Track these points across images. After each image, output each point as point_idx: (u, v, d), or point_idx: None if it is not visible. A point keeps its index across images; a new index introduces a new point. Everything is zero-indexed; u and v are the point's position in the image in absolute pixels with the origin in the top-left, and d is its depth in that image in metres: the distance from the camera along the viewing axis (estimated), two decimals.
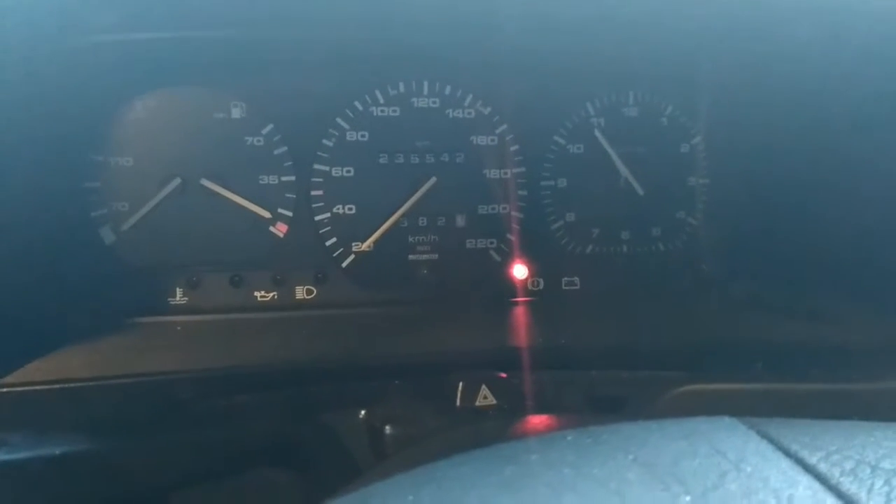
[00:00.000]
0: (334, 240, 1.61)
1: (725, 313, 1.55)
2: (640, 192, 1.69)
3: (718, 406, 1.14)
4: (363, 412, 1.08)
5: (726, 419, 0.76)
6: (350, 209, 1.61)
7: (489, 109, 1.64)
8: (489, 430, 0.97)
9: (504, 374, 1.13)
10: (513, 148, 1.66)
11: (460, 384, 1.07)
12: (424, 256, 1.64)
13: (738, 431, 0.74)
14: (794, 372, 1.21)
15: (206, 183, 1.52)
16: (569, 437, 0.72)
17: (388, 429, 1.01)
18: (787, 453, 0.69)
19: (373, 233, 1.61)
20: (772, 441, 0.72)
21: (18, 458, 0.91)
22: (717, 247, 1.72)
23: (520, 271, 1.66)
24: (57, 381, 1.08)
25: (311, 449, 1.10)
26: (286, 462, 1.10)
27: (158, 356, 1.23)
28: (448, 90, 1.62)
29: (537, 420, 0.99)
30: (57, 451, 0.92)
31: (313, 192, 1.59)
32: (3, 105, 1.27)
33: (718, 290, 1.65)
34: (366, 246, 1.61)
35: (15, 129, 1.31)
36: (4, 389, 1.05)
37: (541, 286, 1.68)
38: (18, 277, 1.32)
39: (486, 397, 1.06)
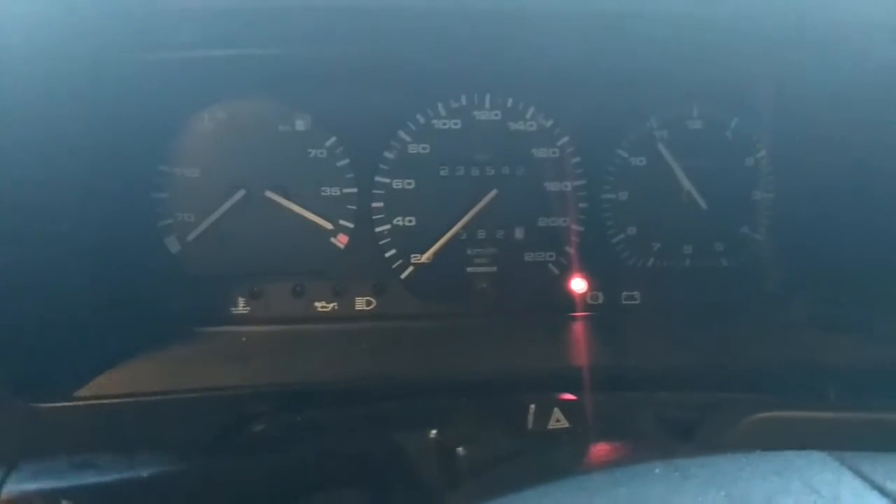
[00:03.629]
0: (394, 251, 1.61)
1: (793, 333, 1.51)
2: (704, 206, 1.66)
3: (795, 433, 1.12)
4: (434, 432, 1.07)
5: (817, 454, 0.74)
6: (410, 221, 1.61)
7: (551, 122, 1.63)
8: (565, 457, 0.96)
9: (575, 397, 1.11)
10: (574, 160, 1.64)
11: (532, 406, 1.06)
12: (483, 269, 1.64)
13: (831, 467, 0.72)
14: (871, 398, 1.18)
15: (269, 194, 1.54)
16: (657, 470, 0.71)
17: (460, 450, 1.00)
18: (883, 492, 0.68)
19: (432, 245, 1.61)
20: (865, 478, 0.70)
21: (105, 481, 0.92)
22: (783, 263, 1.68)
23: (579, 285, 1.65)
24: (128, 395, 1.10)
25: (380, 469, 1.10)
26: (354, 483, 1.09)
27: (226, 369, 1.25)
28: (510, 103, 1.61)
29: (613, 447, 0.98)
30: (142, 474, 0.93)
31: (374, 204, 1.60)
32: (76, 116, 1.30)
33: (784, 308, 1.62)
34: (425, 258, 1.61)
35: (87, 140, 1.34)
36: (79, 403, 1.07)
37: (600, 300, 1.66)
38: (87, 286, 1.35)
39: (558, 420, 1.04)
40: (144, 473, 0.93)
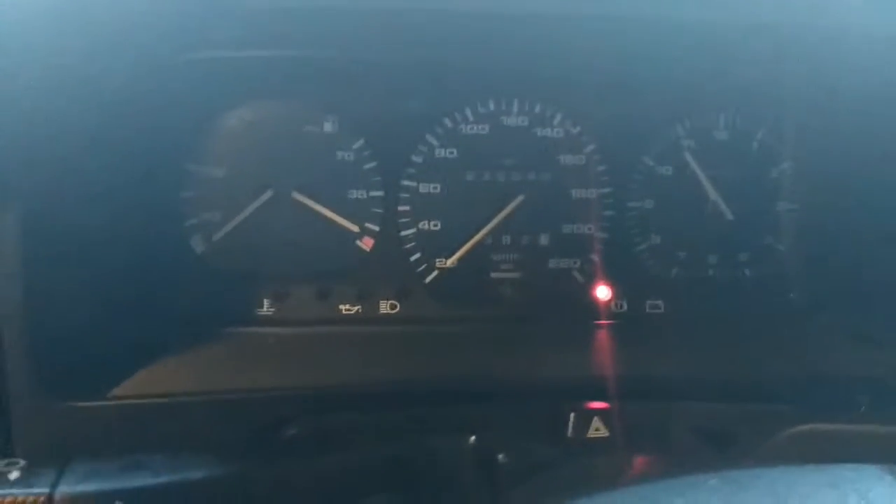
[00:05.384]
0: (418, 255, 1.61)
1: (819, 344, 1.51)
2: (729, 216, 1.66)
3: (831, 446, 1.11)
4: (472, 438, 1.07)
5: (869, 467, 0.74)
6: (435, 225, 1.61)
7: (578, 129, 1.63)
8: (608, 466, 0.95)
9: (610, 405, 1.11)
10: (600, 168, 1.64)
11: (572, 415, 1.06)
12: (507, 275, 1.63)
13: (885, 482, 0.72)
14: None
15: (296, 196, 1.54)
16: (711, 482, 0.71)
17: (500, 457, 0.99)
18: None
19: (457, 249, 1.60)
20: None
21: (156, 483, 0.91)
22: (808, 275, 1.68)
23: (603, 292, 1.65)
24: (163, 395, 1.10)
25: (416, 474, 1.09)
26: (389, 488, 1.09)
27: (258, 370, 1.25)
28: (538, 109, 1.61)
29: (651, 458, 0.97)
30: (189, 476, 0.92)
31: (400, 208, 1.60)
32: (103, 114, 1.30)
33: (809, 319, 1.62)
34: (450, 263, 1.61)
35: (114, 138, 1.33)
36: (114, 402, 1.07)
37: (624, 308, 1.65)
38: (116, 284, 1.34)
39: (598, 429, 1.04)
40: (194, 476, 0.93)
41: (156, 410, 1.09)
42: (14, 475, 0.86)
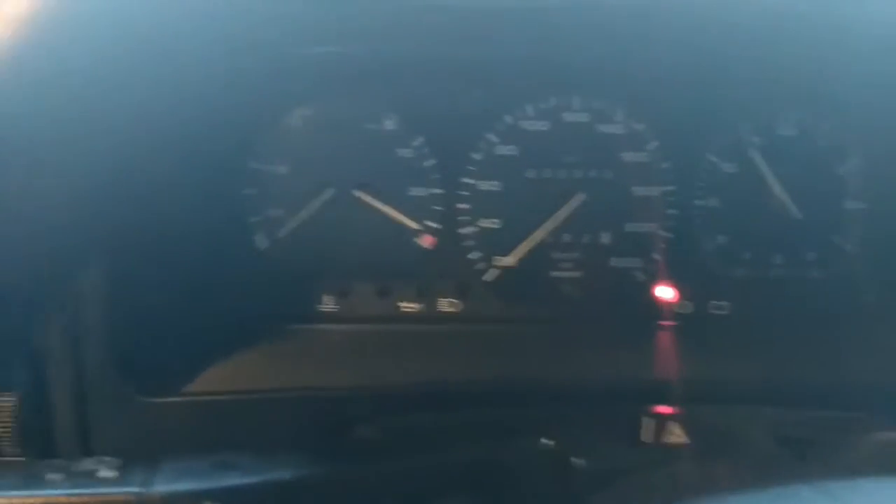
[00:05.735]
0: (478, 253, 1.60)
1: (891, 347, 1.46)
2: (796, 214, 1.61)
3: None
4: (541, 440, 1.06)
5: None
6: (495, 223, 1.59)
7: (641, 125, 1.59)
8: (689, 472, 0.93)
9: (677, 409, 1.09)
10: (663, 165, 1.61)
11: (645, 419, 1.04)
12: (567, 273, 1.61)
13: None
14: None
15: (357, 193, 1.54)
16: (804, 492, 0.69)
17: (573, 461, 0.98)
18: None
19: (516, 247, 1.59)
20: None
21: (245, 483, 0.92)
22: (876, 275, 1.63)
23: (666, 293, 1.62)
24: (235, 392, 1.10)
25: (482, 476, 1.08)
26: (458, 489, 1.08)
27: (326, 369, 1.25)
28: (599, 105, 1.59)
29: (733, 465, 0.95)
30: (281, 476, 0.93)
31: (460, 205, 1.59)
32: (169, 113, 1.31)
33: (878, 322, 1.56)
34: (510, 261, 1.59)
35: (180, 136, 1.35)
36: (188, 398, 1.08)
37: (688, 309, 1.62)
38: (184, 282, 1.36)
39: (675, 434, 1.02)
40: (282, 476, 0.93)
41: (228, 407, 1.10)
42: (107, 473, 0.87)
